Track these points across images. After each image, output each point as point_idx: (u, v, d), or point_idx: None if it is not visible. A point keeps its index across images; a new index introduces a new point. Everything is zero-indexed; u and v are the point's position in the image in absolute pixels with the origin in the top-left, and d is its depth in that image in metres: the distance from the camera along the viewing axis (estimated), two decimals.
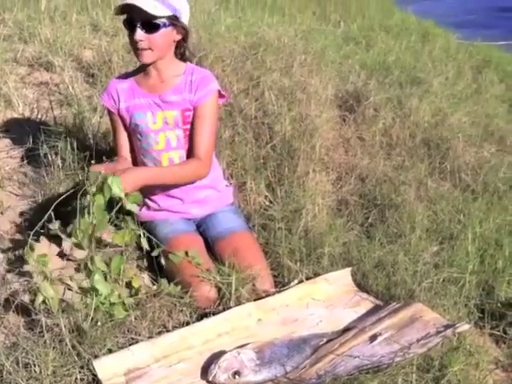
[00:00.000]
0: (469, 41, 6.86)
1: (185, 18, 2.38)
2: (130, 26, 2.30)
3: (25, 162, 2.74)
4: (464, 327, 2.14)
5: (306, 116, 3.38)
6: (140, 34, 2.27)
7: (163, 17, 2.28)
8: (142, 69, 2.47)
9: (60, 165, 2.64)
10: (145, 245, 2.30)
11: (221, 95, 2.53)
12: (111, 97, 2.49)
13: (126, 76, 2.55)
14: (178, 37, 2.41)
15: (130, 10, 2.27)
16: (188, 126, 2.47)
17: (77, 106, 3.13)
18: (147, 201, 2.57)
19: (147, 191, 2.53)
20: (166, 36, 2.35)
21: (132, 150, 2.57)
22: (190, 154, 2.49)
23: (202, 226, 2.61)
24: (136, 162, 2.56)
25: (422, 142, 3.65)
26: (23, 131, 2.86)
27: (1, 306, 2.04)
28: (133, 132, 2.51)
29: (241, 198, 3.00)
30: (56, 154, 2.68)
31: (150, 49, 2.32)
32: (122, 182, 2.12)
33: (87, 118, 3.07)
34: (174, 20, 2.33)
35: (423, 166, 3.42)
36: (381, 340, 2.08)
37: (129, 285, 2.27)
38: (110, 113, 2.53)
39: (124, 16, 2.32)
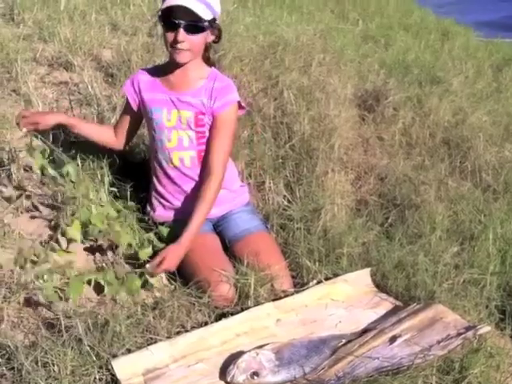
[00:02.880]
0: (488, 38, 6.80)
1: (219, 19, 2.41)
2: (172, 26, 2.30)
3: (45, 161, 2.75)
4: (485, 329, 2.12)
5: (324, 115, 3.36)
6: (183, 34, 2.29)
7: (207, 20, 2.31)
8: (169, 65, 2.47)
9: (80, 164, 2.65)
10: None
11: (240, 106, 2.53)
12: (132, 85, 2.53)
13: (152, 69, 2.58)
14: (212, 38, 2.43)
15: (173, 11, 2.27)
16: (201, 129, 2.47)
17: (96, 106, 3.13)
18: (162, 201, 2.59)
19: (162, 191, 2.56)
20: (204, 38, 2.38)
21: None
22: (202, 155, 2.50)
23: (218, 227, 2.62)
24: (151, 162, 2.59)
25: (442, 142, 3.62)
26: (43, 131, 2.86)
27: (20, 305, 2.05)
28: (149, 126, 2.54)
29: (259, 198, 2.99)
30: (75, 153, 2.69)
31: (188, 50, 2.34)
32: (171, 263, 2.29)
33: (106, 118, 3.08)
34: (212, 23, 2.35)
35: (443, 165, 3.39)
36: (401, 341, 2.07)
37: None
38: (126, 98, 2.59)
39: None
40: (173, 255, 2.30)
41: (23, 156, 2.72)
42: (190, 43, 2.33)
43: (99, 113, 3.07)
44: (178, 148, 2.49)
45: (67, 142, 2.71)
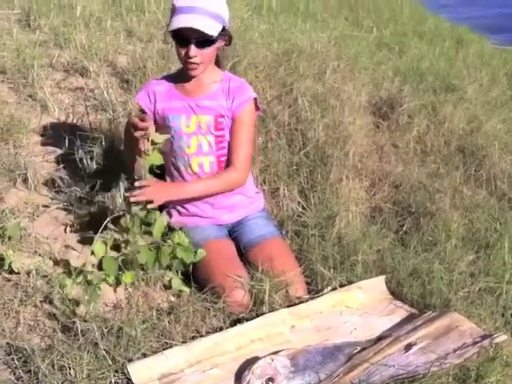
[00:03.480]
0: (503, 46, 6.79)
1: (228, 24, 2.41)
2: (183, 42, 2.32)
3: (60, 166, 2.77)
4: (501, 338, 2.10)
5: (339, 123, 3.36)
6: (194, 50, 2.31)
7: (217, 34, 2.33)
8: (182, 73, 2.48)
9: (95, 170, 2.66)
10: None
11: (256, 106, 2.55)
12: (147, 96, 2.52)
13: (164, 78, 2.58)
14: (223, 43, 2.44)
15: (183, 28, 2.29)
16: (220, 133, 2.48)
17: (111, 112, 3.15)
18: (178, 206, 2.58)
19: None
20: (215, 48, 2.40)
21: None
22: (221, 160, 2.51)
23: (234, 233, 2.62)
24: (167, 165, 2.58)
25: (457, 150, 3.60)
26: (59, 136, 2.89)
27: (37, 309, 2.06)
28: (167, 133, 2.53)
29: (274, 205, 2.99)
30: (91, 158, 2.71)
31: (201, 63, 2.36)
32: (153, 194, 2.29)
33: (122, 124, 3.09)
34: (223, 31, 2.37)
35: (458, 173, 3.37)
36: (416, 349, 2.05)
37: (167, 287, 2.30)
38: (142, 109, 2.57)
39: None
40: (157, 186, 2.35)
41: (39, 161, 2.74)
42: (202, 57, 2.35)
43: (114, 119, 3.09)
44: (198, 153, 2.49)
45: (82, 148, 2.73)
